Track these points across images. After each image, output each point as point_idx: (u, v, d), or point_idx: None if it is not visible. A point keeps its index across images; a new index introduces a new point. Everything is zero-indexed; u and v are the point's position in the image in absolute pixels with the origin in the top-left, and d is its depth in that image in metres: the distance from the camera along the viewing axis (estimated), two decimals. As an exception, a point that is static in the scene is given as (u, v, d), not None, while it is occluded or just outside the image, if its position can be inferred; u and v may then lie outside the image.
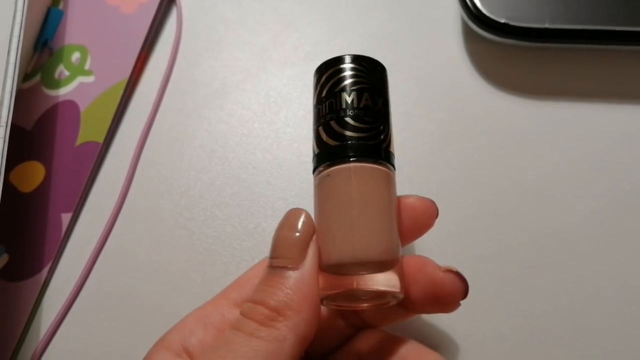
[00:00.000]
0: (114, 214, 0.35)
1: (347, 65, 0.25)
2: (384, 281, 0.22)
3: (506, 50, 0.38)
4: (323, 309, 0.23)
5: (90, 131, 0.37)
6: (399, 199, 0.24)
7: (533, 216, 0.33)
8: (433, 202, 0.25)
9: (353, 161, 0.23)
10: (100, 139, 0.37)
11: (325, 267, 0.22)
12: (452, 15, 0.39)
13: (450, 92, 0.38)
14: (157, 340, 0.24)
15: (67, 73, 0.39)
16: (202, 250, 0.34)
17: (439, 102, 0.37)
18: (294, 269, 0.22)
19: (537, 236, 0.33)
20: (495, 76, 0.38)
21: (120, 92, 0.38)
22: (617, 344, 0.30)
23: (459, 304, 0.23)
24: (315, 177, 0.25)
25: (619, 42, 0.35)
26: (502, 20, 0.35)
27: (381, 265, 0.22)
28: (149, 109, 0.38)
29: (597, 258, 0.32)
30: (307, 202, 0.35)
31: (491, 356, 0.30)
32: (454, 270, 0.23)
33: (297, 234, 0.22)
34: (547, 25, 0.35)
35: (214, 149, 0.37)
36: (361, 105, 0.24)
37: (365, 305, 0.23)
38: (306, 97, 0.38)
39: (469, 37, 0.39)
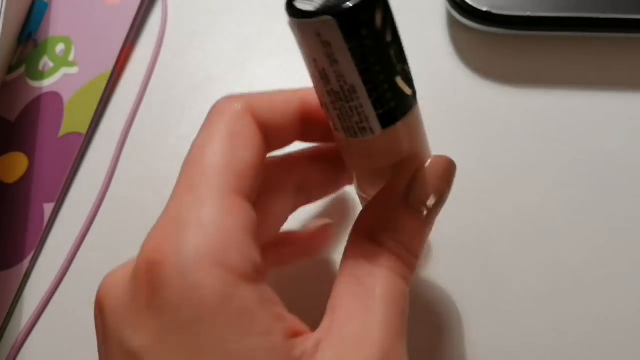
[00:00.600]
0: (96, 205, 0.35)
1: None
2: None
3: (490, 39, 0.38)
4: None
5: (73, 122, 0.37)
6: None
7: (515, 206, 0.33)
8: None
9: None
10: (83, 130, 0.37)
11: None
12: (436, 4, 0.39)
13: (433, 81, 0.37)
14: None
15: (51, 64, 0.39)
16: (184, 240, 0.34)
17: (422, 91, 0.37)
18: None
19: (519, 225, 0.32)
20: (479, 65, 0.37)
21: (104, 83, 0.38)
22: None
23: None
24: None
25: (601, 29, 0.35)
26: (484, 9, 0.35)
27: None
28: (132, 100, 0.38)
29: (575, 247, 0.32)
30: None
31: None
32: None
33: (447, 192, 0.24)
34: (529, 13, 0.35)
35: (198, 139, 0.37)
36: (399, 49, 0.21)
37: None
38: (289, 87, 0.38)
39: (452, 26, 0.39)
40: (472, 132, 0.35)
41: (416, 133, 0.24)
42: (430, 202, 0.20)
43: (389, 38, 0.19)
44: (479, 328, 0.30)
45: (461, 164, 0.35)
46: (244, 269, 0.16)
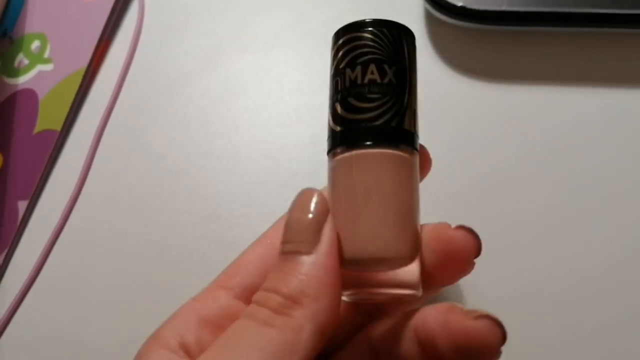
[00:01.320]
0: (70, 202, 0.35)
1: (353, 35, 0.22)
2: (403, 279, 0.20)
3: (466, 34, 0.37)
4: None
5: (48, 119, 0.37)
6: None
7: (493, 205, 0.33)
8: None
9: (355, 148, 0.20)
10: (58, 127, 0.37)
11: (355, 263, 0.20)
12: (413, 0, 0.39)
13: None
14: (149, 337, 0.22)
15: (26, 62, 0.39)
16: (158, 238, 0.34)
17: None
18: (307, 253, 0.19)
19: (499, 224, 0.32)
20: (457, 60, 0.37)
21: (79, 80, 0.38)
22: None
23: (474, 263, 0.21)
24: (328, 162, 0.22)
25: (577, 24, 0.35)
26: (460, 4, 0.35)
27: (396, 262, 0.20)
28: (108, 97, 0.38)
29: (555, 245, 0.32)
30: (264, 189, 0.35)
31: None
32: (466, 226, 0.21)
33: (310, 215, 0.20)
34: (504, 8, 0.35)
35: (173, 136, 0.37)
36: (365, 81, 0.20)
37: (385, 298, 0.22)
38: (265, 83, 0.38)
39: (429, 22, 0.38)
40: (450, 128, 0.35)
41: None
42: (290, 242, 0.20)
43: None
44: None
45: (438, 159, 0.35)
46: (172, 345, 0.21)
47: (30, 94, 0.38)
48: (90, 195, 0.36)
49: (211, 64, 0.39)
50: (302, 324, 0.18)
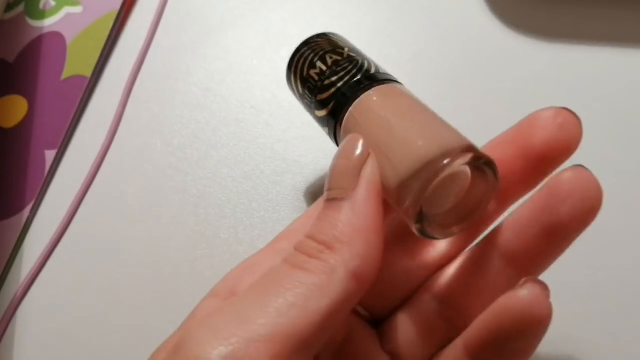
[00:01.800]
0: (101, 153, 0.33)
1: (298, 51, 0.26)
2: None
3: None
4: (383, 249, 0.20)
5: (76, 65, 0.34)
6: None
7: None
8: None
9: (362, 90, 0.22)
10: (88, 72, 0.34)
11: (408, 181, 0.19)
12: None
13: (461, 33, 0.35)
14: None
15: (52, 3, 0.36)
16: (196, 192, 0.32)
17: (450, 43, 0.35)
18: (345, 198, 0.19)
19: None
20: (510, 16, 0.35)
21: (110, 24, 0.35)
22: None
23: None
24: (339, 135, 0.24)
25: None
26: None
27: (445, 156, 0.19)
28: (140, 42, 0.36)
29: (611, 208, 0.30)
30: (308, 144, 0.33)
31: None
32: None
33: (350, 160, 0.20)
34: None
35: (209, 86, 0.35)
36: (329, 63, 0.24)
37: (464, 225, 0.20)
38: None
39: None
40: (502, 87, 0.33)
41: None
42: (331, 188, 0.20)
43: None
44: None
45: (493, 121, 0.33)
46: (222, 293, 0.21)
47: (57, 38, 0.35)
48: (121, 146, 0.33)
49: (250, 11, 0.37)
50: (335, 267, 0.18)
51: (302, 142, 0.33)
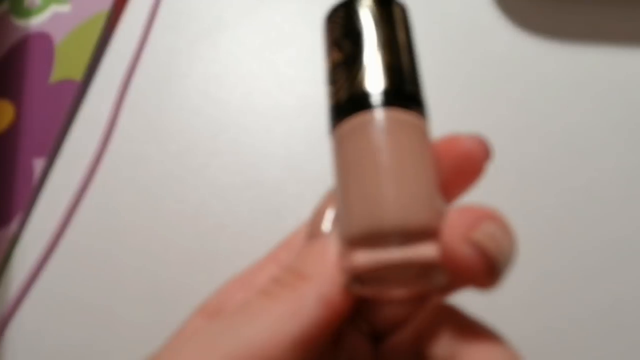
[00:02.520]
0: (94, 161, 0.31)
1: (325, 24, 0.20)
2: (431, 251, 0.17)
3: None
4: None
5: (66, 67, 0.33)
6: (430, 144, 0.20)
7: (562, 168, 0.30)
8: (481, 139, 0.20)
9: (340, 123, 0.18)
10: (78, 76, 0.32)
11: (352, 239, 0.18)
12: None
13: (473, 36, 0.34)
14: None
15: (38, 1, 0.34)
16: (194, 202, 0.30)
17: (461, 44, 0.34)
18: (326, 233, 0.20)
19: (566, 191, 0.30)
20: (521, 17, 0.34)
21: (101, 24, 0.33)
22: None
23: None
24: None
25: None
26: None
27: (422, 234, 0.17)
28: (134, 44, 0.34)
29: (629, 215, 0.29)
30: (312, 151, 0.31)
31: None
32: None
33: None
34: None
35: (208, 90, 0.33)
36: (331, 65, 0.19)
37: (405, 291, 0.19)
38: (309, 35, 0.34)
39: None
40: (514, 89, 0.32)
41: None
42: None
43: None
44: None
45: (503, 122, 0.32)
46: (210, 311, 0.21)
47: (44, 38, 0.33)
48: (116, 154, 0.32)
49: (249, 11, 0.35)
50: (305, 295, 0.18)
51: (306, 148, 0.32)
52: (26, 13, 0.34)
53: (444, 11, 0.35)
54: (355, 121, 0.18)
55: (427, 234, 0.17)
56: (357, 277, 0.18)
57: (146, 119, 0.32)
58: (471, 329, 0.19)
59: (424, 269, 0.18)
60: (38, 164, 0.31)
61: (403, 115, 0.18)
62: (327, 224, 0.20)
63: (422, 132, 0.18)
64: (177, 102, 0.33)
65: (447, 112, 0.32)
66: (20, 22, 0.34)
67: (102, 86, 0.33)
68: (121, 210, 0.30)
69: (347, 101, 0.18)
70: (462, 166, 0.20)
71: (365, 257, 0.17)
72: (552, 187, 0.30)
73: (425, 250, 0.17)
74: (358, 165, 0.18)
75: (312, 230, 0.20)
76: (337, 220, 0.19)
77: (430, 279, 0.18)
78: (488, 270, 0.17)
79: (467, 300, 0.20)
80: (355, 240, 0.17)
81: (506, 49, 0.33)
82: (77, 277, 0.29)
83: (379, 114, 0.18)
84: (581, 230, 0.29)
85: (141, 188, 0.31)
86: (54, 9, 0.34)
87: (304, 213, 0.30)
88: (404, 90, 0.19)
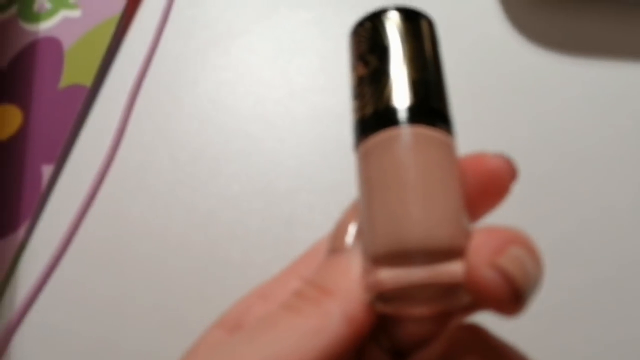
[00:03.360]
0: (103, 168, 0.31)
1: (351, 38, 0.20)
2: (456, 270, 0.17)
3: (544, 2, 0.34)
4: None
5: (75, 73, 0.32)
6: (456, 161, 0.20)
7: (571, 181, 0.30)
8: (508, 159, 0.19)
9: (365, 139, 0.18)
10: (88, 81, 0.32)
11: (376, 257, 0.18)
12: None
13: (482, 48, 0.34)
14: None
15: (48, 6, 0.34)
16: (205, 211, 0.30)
17: (468, 55, 0.34)
18: (348, 249, 0.19)
19: (577, 204, 0.29)
20: (530, 29, 0.34)
21: (112, 30, 0.33)
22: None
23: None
24: None
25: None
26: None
27: (447, 253, 0.17)
28: (144, 50, 0.34)
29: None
30: (324, 160, 0.31)
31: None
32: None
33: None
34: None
35: (218, 98, 0.33)
36: (356, 80, 0.19)
37: (428, 309, 0.19)
38: (322, 43, 0.34)
39: (504, -16, 0.35)
40: (523, 103, 0.32)
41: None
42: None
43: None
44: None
45: (511, 136, 0.32)
46: (229, 325, 0.21)
47: (53, 43, 0.33)
48: (125, 161, 0.31)
49: (262, 18, 0.35)
50: (330, 311, 0.18)
51: (318, 157, 0.31)
52: (35, 18, 0.33)
53: (453, 23, 0.35)
54: (380, 137, 0.18)
55: (452, 253, 0.17)
56: (381, 295, 0.18)
57: (156, 125, 0.32)
58: (499, 354, 0.19)
59: (447, 288, 0.17)
60: (46, 171, 0.30)
61: (430, 132, 0.18)
62: (349, 239, 0.19)
63: (449, 150, 0.18)
64: (188, 109, 0.32)
65: (456, 122, 0.32)
66: (29, 27, 0.33)
67: (112, 92, 0.33)
68: (130, 219, 0.30)
69: (373, 116, 0.18)
70: (487, 185, 0.19)
71: (389, 275, 0.17)
72: (563, 199, 0.30)
73: (450, 270, 0.17)
74: (383, 182, 0.18)
75: (335, 244, 0.20)
76: (360, 235, 0.19)
77: (454, 299, 0.18)
78: (513, 297, 0.17)
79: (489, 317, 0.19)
80: (380, 258, 0.17)
81: (516, 62, 0.33)
82: (85, 286, 0.29)
83: (405, 131, 0.18)
84: (593, 243, 0.29)
85: (150, 196, 0.31)
86: (63, 13, 0.34)
87: (315, 223, 0.30)
88: (431, 107, 0.18)
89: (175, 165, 0.31)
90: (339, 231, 0.20)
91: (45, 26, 0.33)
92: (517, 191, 0.30)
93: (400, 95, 0.18)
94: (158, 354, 0.27)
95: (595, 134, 0.31)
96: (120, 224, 0.30)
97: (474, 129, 0.32)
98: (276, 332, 0.18)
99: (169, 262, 0.29)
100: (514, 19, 0.34)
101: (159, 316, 0.28)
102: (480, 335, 0.19)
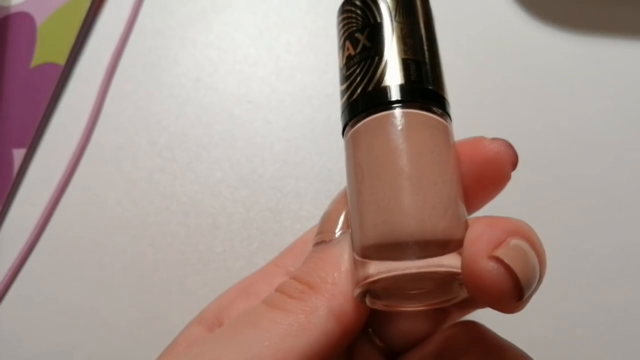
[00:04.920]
0: (77, 152, 0.30)
1: (339, 15, 0.19)
2: (451, 263, 0.16)
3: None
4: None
5: (48, 50, 0.31)
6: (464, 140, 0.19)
7: (574, 165, 0.28)
8: (507, 144, 0.18)
9: (354, 123, 0.17)
10: (62, 60, 0.31)
11: (366, 250, 0.17)
12: None
13: (482, 20, 0.32)
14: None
15: (19, -22, 0.32)
16: (186, 199, 0.29)
17: (469, 31, 0.32)
18: (333, 240, 0.19)
19: (578, 189, 0.28)
20: (538, 9, 0.32)
21: (87, 4, 0.32)
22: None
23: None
24: None
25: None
26: None
27: (442, 245, 0.16)
28: (121, 26, 0.32)
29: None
30: (313, 145, 0.29)
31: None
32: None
33: (339, 204, 0.19)
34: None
35: (201, 77, 0.31)
36: (344, 60, 0.18)
37: (421, 306, 0.18)
38: (312, 19, 0.32)
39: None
40: (524, 81, 0.30)
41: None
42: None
43: None
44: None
45: (516, 115, 0.30)
46: (210, 320, 0.20)
47: (25, 19, 0.31)
48: (100, 145, 0.30)
49: (246, -7, 0.33)
50: (316, 307, 0.17)
51: (306, 141, 0.30)
52: (6, -9, 0.32)
53: (459, 3, 0.32)
54: (371, 121, 0.17)
55: (447, 245, 0.16)
56: (371, 290, 0.17)
57: (133, 107, 0.30)
58: (498, 353, 0.18)
59: (442, 283, 0.17)
60: (18, 155, 0.29)
61: (424, 115, 0.17)
62: (338, 230, 0.19)
63: (445, 134, 0.17)
64: (167, 90, 0.31)
65: (460, 106, 0.30)
66: (0, 2, 0.31)
67: (87, 71, 0.31)
68: (106, 205, 0.29)
69: (362, 98, 0.17)
70: (486, 172, 0.18)
71: (379, 269, 0.16)
72: (567, 180, 0.28)
73: (445, 263, 0.16)
74: (373, 168, 0.16)
75: (321, 236, 0.19)
76: (348, 227, 0.18)
77: (449, 294, 0.17)
78: (513, 290, 0.16)
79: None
80: (369, 251, 0.16)
81: (524, 41, 0.32)
82: (58, 275, 0.28)
83: (398, 114, 0.16)
84: (595, 226, 0.27)
85: (127, 182, 0.29)
86: (35, -14, 0.32)
87: (304, 213, 0.29)
88: (425, 88, 0.17)
89: (154, 150, 0.30)
90: (327, 222, 0.19)
91: (16, 1, 0.31)
92: (518, 177, 0.28)
93: (392, 76, 0.17)
94: (135, 346, 0.26)
95: (601, 110, 0.30)
96: (95, 212, 0.28)
97: (478, 108, 0.30)
98: (257, 330, 0.17)
99: (146, 253, 0.27)
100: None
101: (135, 311, 0.27)
102: (478, 334, 0.18)
